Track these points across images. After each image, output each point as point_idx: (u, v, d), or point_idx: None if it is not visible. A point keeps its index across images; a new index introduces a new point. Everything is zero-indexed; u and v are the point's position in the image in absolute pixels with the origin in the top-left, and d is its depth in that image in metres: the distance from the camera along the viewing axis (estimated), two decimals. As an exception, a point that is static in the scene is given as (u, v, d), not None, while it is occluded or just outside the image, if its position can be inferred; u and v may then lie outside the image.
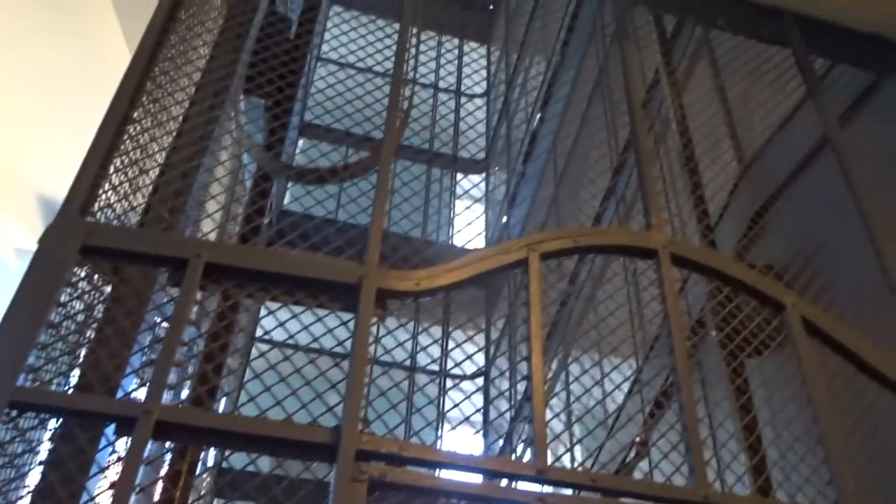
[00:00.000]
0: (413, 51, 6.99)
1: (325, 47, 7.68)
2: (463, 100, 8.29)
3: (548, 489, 1.71)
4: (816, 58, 3.34)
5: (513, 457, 4.90)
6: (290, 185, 6.42)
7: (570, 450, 3.20)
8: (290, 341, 2.00)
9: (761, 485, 2.55)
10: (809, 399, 2.04)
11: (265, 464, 1.85)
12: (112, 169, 1.89)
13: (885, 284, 2.54)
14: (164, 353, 1.58)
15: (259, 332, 5.23)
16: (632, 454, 4.18)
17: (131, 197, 1.92)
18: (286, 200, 6.43)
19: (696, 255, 2.24)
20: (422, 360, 5.80)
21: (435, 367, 5.94)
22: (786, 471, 2.57)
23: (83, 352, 1.71)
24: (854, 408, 2.25)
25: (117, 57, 4.52)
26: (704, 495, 1.75)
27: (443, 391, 5.59)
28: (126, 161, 1.92)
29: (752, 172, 4.04)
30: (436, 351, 5.89)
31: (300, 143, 7.09)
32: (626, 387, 4.68)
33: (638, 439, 4.13)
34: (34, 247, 1.73)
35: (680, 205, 4.22)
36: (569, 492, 1.72)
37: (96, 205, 1.84)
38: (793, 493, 2.47)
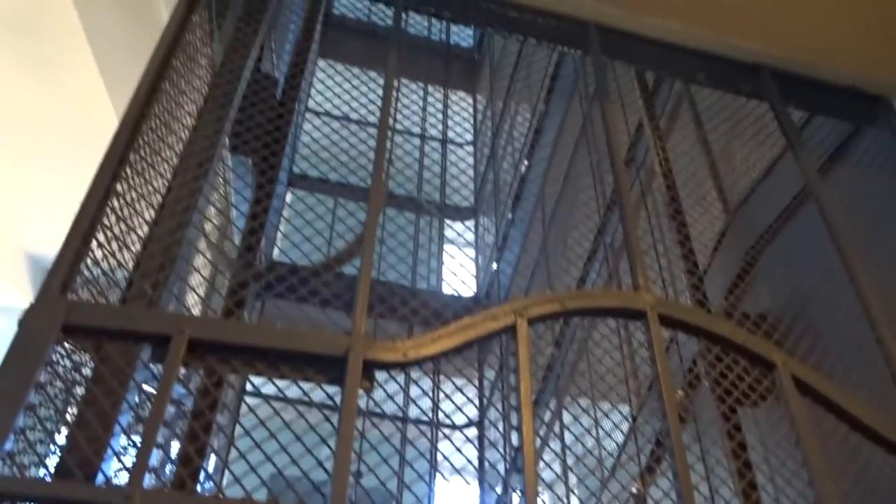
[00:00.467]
0: (400, 101, 7.07)
1: (312, 100, 7.76)
2: (450, 148, 8.37)
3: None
4: (794, 111, 3.39)
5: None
6: (277, 240, 6.41)
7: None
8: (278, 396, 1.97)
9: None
10: (804, 462, 2.02)
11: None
12: (95, 244, 1.88)
13: (874, 338, 2.54)
14: (146, 435, 1.55)
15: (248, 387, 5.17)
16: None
17: (114, 272, 1.90)
18: (275, 252, 6.41)
19: (684, 316, 2.24)
20: (413, 411, 5.73)
21: (426, 418, 5.86)
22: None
23: (63, 434, 1.67)
24: (850, 468, 2.23)
25: (101, 114, 4.53)
26: (701, 568, 1.72)
27: (435, 444, 5.52)
28: (109, 235, 1.90)
29: (737, 224, 4.08)
30: (427, 402, 5.82)
31: (288, 196, 7.11)
32: (619, 436, 4.63)
33: (635, 491, 4.07)
34: (20, 304, 1.70)
35: (668, 251, 4.24)
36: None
37: (78, 280, 1.82)
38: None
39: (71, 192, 2.13)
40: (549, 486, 5.22)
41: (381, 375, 1.93)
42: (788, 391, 2.16)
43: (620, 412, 4.54)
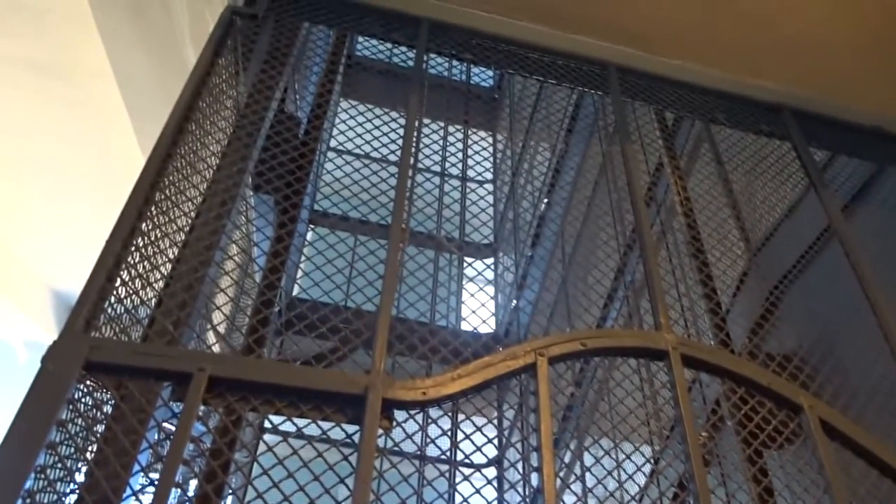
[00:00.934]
0: (420, 140, 7.14)
1: (334, 139, 7.87)
2: (470, 186, 8.42)
3: None
4: (816, 151, 3.38)
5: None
6: (299, 275, 6.44)
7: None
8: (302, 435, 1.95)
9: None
10: (833, 508, 1.96)
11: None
12: (118, 282, 1.90)
13: (903, 381, 2.48)
14: (164, 475, 1.54)
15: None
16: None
17: (137, 309, 1.92)
18: (296, 290, 6.43)
19: (707, 356, 2.21)
20: (432, 451, 5.67)
21: (444, 458, 5.79)
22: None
23: (83, 472, 1.67)
24: (881, 515, 2.16)
25: (129, 157, 4.63)
26: None
27: (453, 484, 5.44)
28: (133, 273, 1.93)
29: (760, 262, 4.04)
30: (445, 442, 5.75)
31: (309, 234, 7.16)
32: (642, 476, 4.54)
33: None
34: (44, 339, 1.72)
35: (689, 291, 4.19)
36: None
37: (101, 318, 1.84)
38: None
39: (96, 230, 2.17)
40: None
41: (400, 415, 1.91)
42: (816, 435, 2.11)
43: (643, 454, 4.46)
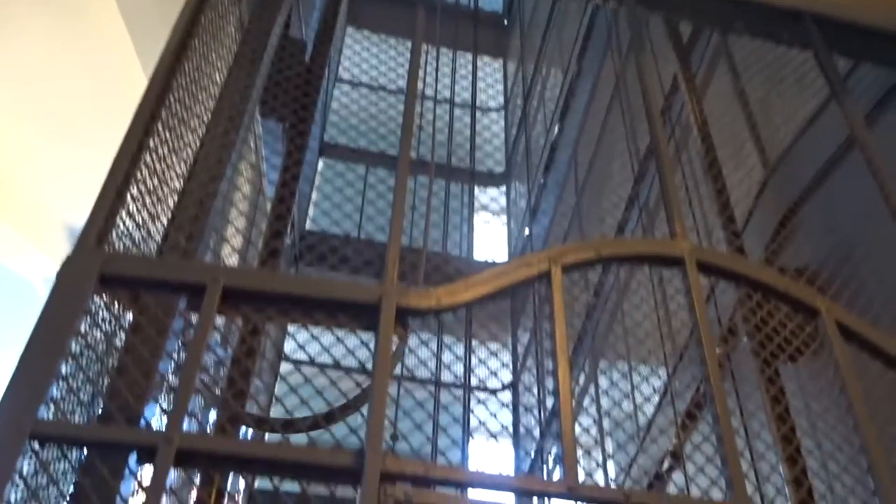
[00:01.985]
0: (428, 68, 7.00)
1: (341, 67, 7.73)
2: (480, 114, 8.29)
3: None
4: (839, 58, 3.27)
5: (544, 473, 4.82)
6: (310, 207, 6.43)
7: (603, 466, 3.14)
8: (311, 360, 1.97)
9: (803, 497, 2.47)
10: (849, 407, 1.97)
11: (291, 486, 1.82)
12: (129, 198, 1.89)
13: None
14: (184, 380, 1.56)
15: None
16: (665, 466, 4.09)
17: (149, 225, 1.91)
18: (307, 223, 6.44)
19: (723, 262, 2.19)
20: (446, 377, 5.74)
21: (459, 384, 5.88)
22: (827, 482, 2.48)
23: (104, 381, 1.70)
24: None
25: (136, 86, 4.57)
26: (743, 511, 1.69)
27: (468, 408, 5.53)
28: (143, 189, 1.92)
29: (777, 176, 3.97)
30: (460, 367, 5.83)
31: (320, 164, 7.12)
32: (656, 398, 4.59)
33: (671, 451, 4.04)
34: None
35: (704, 212, 4.15)
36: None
37: (114, 234, 1.84)
38: (836, 505, 2.39)
39: (107, 163, 2.14)
40: (588, 452, 5.21)
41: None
42: (833, 338, 2.10)
43: (657, 376, 4.50)
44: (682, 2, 3.21)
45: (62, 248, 6.69)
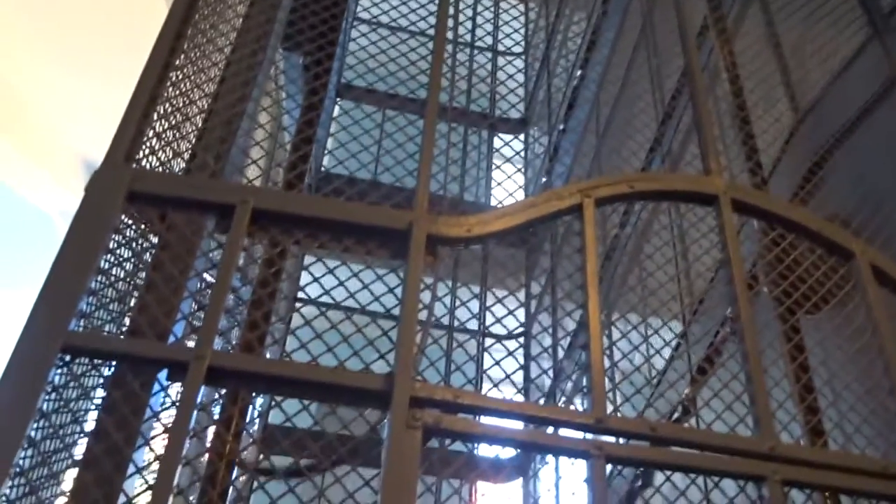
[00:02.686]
0: (451, 9, 6.83)
1: (361, 6, 7.56)
2: (500, 59, 8.12)
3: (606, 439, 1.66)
4: (881, -3, 3.15)
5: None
6: (327, 150, 6.37)
7: (616, 409, 3.13)
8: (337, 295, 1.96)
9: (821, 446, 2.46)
10: (880, 350, 1.94)
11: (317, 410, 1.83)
12: (155, 116, 1.86)
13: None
14: (214, 298, 1.55)
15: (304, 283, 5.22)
16: (679, 413, 4.11)
17: (176, 144, 1.88)
18: (326, 162, 6.39)
19: (758, 201, 2.14)
20: (460, 317, 5.75)
21: (474, 325, 5.89)
22: (847, 432, 2.48)
23: (133, 298, 1.69)
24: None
25: (156, 19, 4.49)
26: (770, 446, 1.68)
27: (482, 349, 5.56)
28: (169, 108, 1.88)
29: (808, 122, 3.87)
30: (475, 308, 5.83)
31: (336, 105, 7.02)
32: (672, 347, 4.58)
33: (686, 396, 4.05)
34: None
35: (730, 158, 4.07)
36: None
37: (141, 152, 1.81)
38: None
39: (126, 97, 2.09)
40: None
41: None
42: (866, 281, 2.06)
43: (671, 329, 4.48)
44: (722, -65, 3.07)
45: (81, 184, 6.70)
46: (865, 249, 2.14)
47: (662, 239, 4.17)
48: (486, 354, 5.61)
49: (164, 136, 1.85)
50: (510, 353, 4.62)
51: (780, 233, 2.20)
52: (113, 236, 1.67)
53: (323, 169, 6.48)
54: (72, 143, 6.48)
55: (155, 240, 1.75)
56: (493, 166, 7.44)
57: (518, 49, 8.52)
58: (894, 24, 3.11)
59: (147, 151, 1.82)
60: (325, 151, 6.52)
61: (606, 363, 4.96)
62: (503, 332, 5.86)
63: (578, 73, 6.85)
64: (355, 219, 1.79)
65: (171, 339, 1.61)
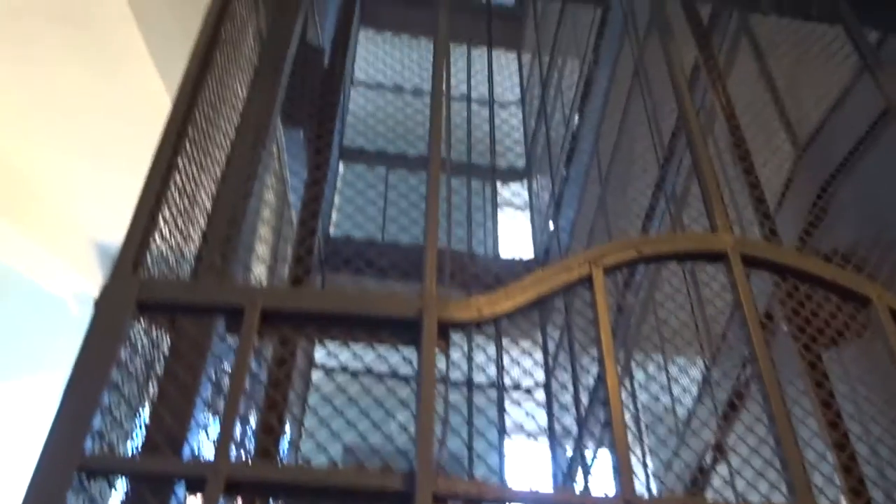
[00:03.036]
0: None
1: (356, 68, 7.69)
2: (497, 109, 8.22)
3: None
4: (869, 31, 3.17)
5: (581, 477, 4.76)
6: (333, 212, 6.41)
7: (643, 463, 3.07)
8: (349, 370, 1.94)
9: (853, 484, 2.40)
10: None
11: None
12: (161, 220, 1.87)
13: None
14: (228, 407, 1.54)
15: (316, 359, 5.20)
16: (708, 461, 4.02)
17: (182, 246, 1.89)
18: (331, 229, 6.42)
19: (768, 254, 2.12)
20: (478, 378, 5.68)
21: (491, 383, 5.82)
22: (879, 467, 2.41)
23: (146, 409, 1.68)
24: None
25: (157, 103, 4.59)
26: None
27: (502, 407, 5.48)
28: (175, 211, 1.89)
29: (808, 155, 3.87)
30: (492, 367, 5.77)
31: (340, 168, 7.09)
32: (693, 391, 4.51)
33: (713, 445, 3.97)
34: (93, 291, 1.71)
35: (733, 191, 4.06)
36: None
37: (148, 258, 1.82)
38: (889, 490, 2.32)
39: (134, 181, 2.13)
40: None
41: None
42: (886, 325, 2.03)
43: (693, 366, 4.42)
44: (705, -16, 3.12)
45: (93, 266, 6.75)
46: (882, 294, 2.11)
47: (673, 286, 4.14)
48: (510, 408, 5.54)
49: (170, 239, 1.86)
50: (531, 415, 4.56)
51: (794, 284, 2.18)
52: (125, 347, 1.67)
53: (332, 227, 6.53)
54: (83, 226, 6.55)
55: (165, 346, 1.74)
56: (498, 214, 7.47)
57: (515, 98, 8.63)
58: (883, 56, 3.13)
59: (154, 257, 1.83)
60: (332, 211, 6.58)
61: (631, 406, 4.85)
62: (522, 389, 5.78)
63: (576, 118, 6.92)
64: (365, 311, 1.78)
65: (187, 448, 1.59)
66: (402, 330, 1.79)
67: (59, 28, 4.12)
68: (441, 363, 1.83)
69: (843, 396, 2.71)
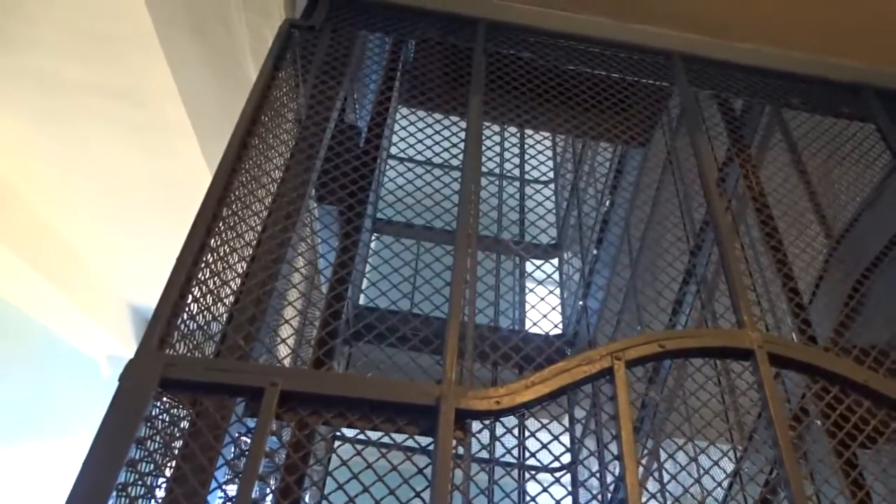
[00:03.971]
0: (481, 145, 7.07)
1: (394, 146, 7.89)
2: (531, 187, 8.33)
3: None
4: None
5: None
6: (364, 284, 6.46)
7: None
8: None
9: None
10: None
11: None
12: (190, 298, 1.91)
13: None
14: (241, 492, 1.53)
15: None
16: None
17: (209, 325, 1.92)
18: (361, 299, 6.47)
19: (796, 354, 2.08)
20: (500, 453, 5.57)
21: (514, 465, 5.69)
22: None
23: (162, 490, 1.68)
24: None
25: (197, 176, 4.74)
26: None
27: (524, 489, 5.33)
28: (204, 290, 1.94)
29: (842, 248, 3.83)
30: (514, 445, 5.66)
31: (373, 243, 7.19)
32: (725, 483, 4.35)
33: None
34: (125, 353, 1.74)
35: (766, 280, 4.01)
36: None
37: (175, 335, 1.86)
38: None
39: (169, 248, 2.20)
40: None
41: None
42: (921, 435, 1.96)
43: (725, 456, 4.28)
44: (735, 80, 3.18)
45: (125, 326, 6.86)
46: (917, 401, 2.05)
47: (704, 373, 4.05)
48: (533, 490, 5.38)
49: (198, 318, 1.90)
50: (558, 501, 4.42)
51: (824, 385, 2.13)
52: (145, 425, 1.68)
53: (363, 298, 6.56)
54: (116, 288, 6.70)
55: (185, 425, 1.76)
56: (527, 290, 7.46)
57: (547, 177, 8.74)
58: (918, 157, 3.13)
59: (181, 335, 1.86)
60: (362, 282, 6.63)
61: (655, 489, 4.71)
62: (545, 464, 5.65)
63: (607, 202, 6.96)
64: (384, 396, 1.78)
65: (199, 533, 1.58)
66: (421, 417, 1.78)
67: (106, 101, 4.33)
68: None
69: (881, 497, 2.60)
